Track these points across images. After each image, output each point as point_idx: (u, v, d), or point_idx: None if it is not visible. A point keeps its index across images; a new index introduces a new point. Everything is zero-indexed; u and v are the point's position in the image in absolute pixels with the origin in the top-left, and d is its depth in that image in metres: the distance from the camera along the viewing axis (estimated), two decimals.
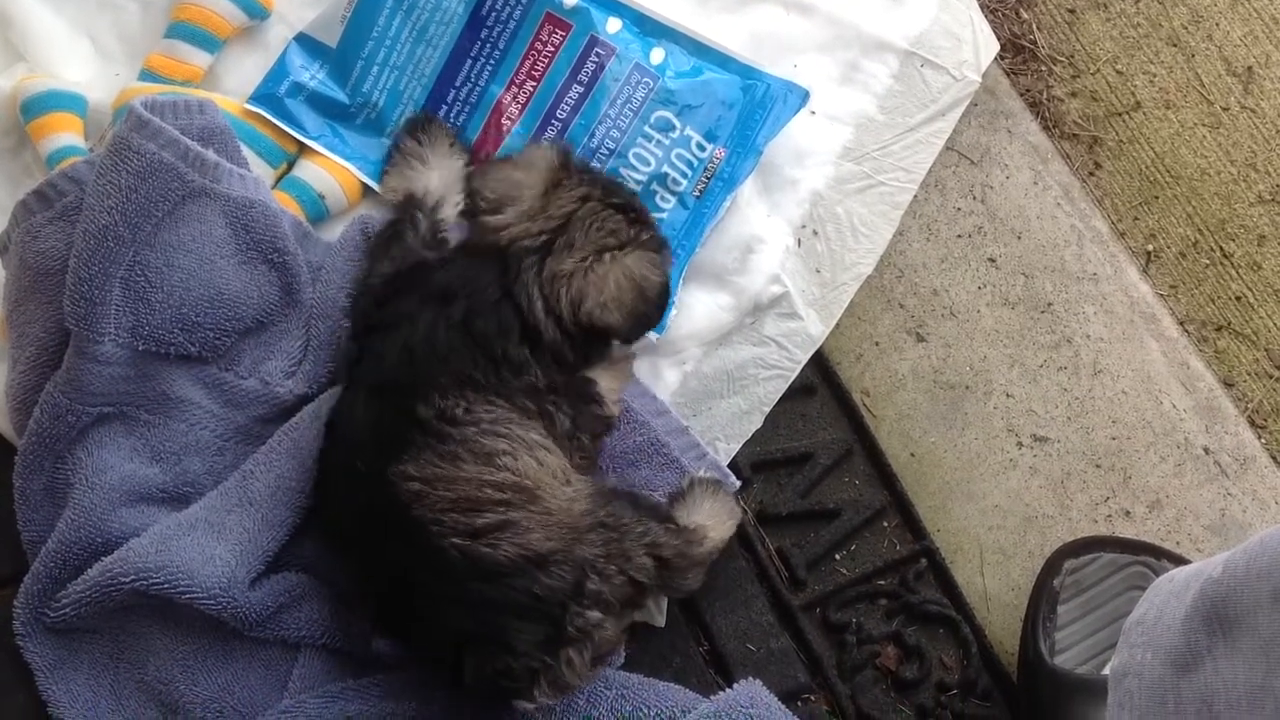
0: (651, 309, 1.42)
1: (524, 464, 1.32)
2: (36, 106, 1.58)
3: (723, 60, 1.66)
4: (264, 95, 1.63)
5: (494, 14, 1.64)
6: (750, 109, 1.63)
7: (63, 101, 1.59)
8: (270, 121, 1.62)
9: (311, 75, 1.65)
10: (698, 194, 1.61)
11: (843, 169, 1.70)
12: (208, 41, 1.64)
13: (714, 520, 1.48)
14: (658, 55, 1.65)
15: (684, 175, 1.61)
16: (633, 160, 1.61)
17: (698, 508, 1.48)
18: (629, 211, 1.46)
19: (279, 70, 1.64)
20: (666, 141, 1.62)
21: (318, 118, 1.65)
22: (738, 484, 1.56)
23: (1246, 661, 1.15)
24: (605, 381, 1.48)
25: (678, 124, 1.62)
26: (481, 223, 1.40)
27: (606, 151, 1.61)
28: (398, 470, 1.29)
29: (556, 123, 1.63)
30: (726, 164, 1.61)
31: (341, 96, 1.65)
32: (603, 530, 1.34)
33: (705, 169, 1.61)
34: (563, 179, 1.42)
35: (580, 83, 1.63)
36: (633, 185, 1.59)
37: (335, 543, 1.43)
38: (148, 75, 1.63)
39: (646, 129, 1.62)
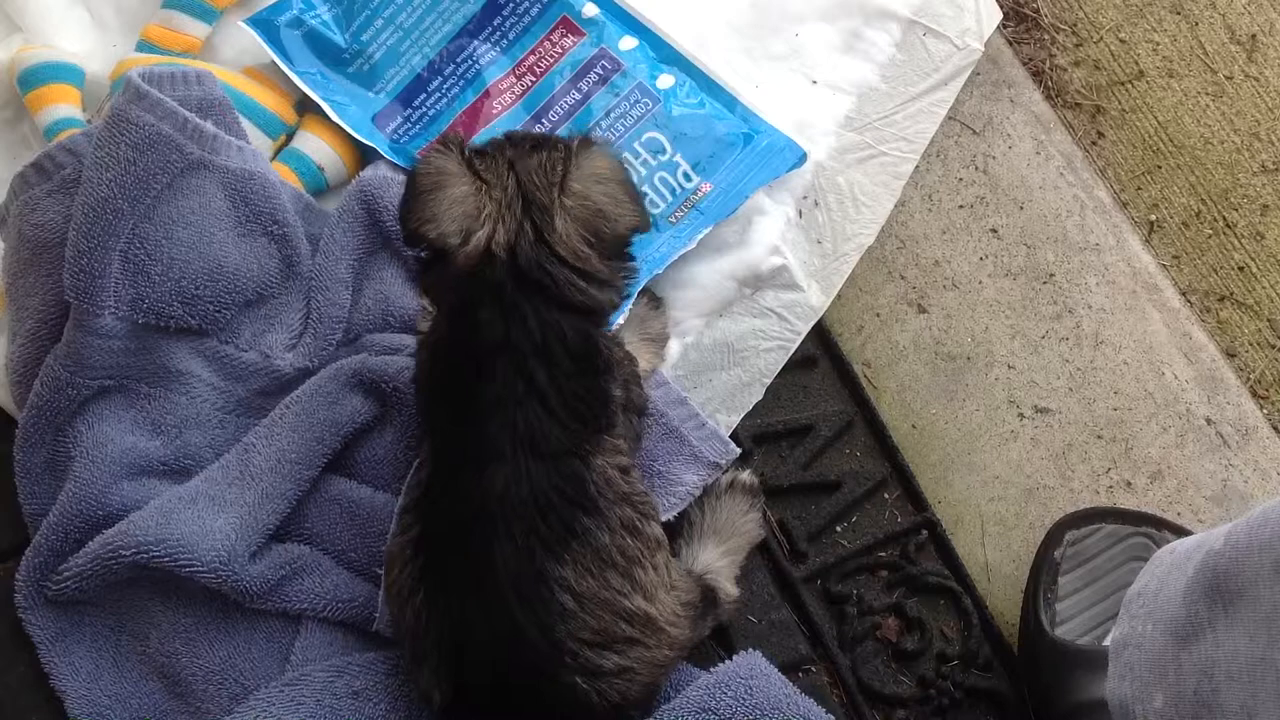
0: (632, 187, 1.31)
1: (650, 579, 1.27)
2: (34, 78, 1.58)
3: (730, 102, 1.65)
4: (261, 20, 1.63)
5: (511, 4, 1.64)
6: (747, 156, 1.61)
7: (60, 73, 1.59)
8: (269, 92, 1.61)
9: (315, 15, 1.64)
10: (674, 220, 1.59)
11: (844, 139, 1.69)
12: (205, 12, 1.63)
13: (725, 559, 1.49)
14: (665, 81, 1.63)
15: (663, 199, 1.59)
16: None
17: (706, 539, 1.49)
18: (545, 141, 1.33)
19: (284, 2, 1.64)
20: (654, 163, 1.60)
21: (310, 56, 1.64)
22: (738, 451, 1.55)
23: (1248, 633, 1.15)
24: (643, 361, 1.47)
25: (669, 148, 1.61)
26: (462, 256, 1.24)
27: None
28: (559, 575, 1.21)
29: (547, 123, 1.63)
30: (708, 199, 1.59)
31: (339, 40, 1.65)
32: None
33: (687, 199, 1.59)
34: (478, 166, 1.28)
35: (579, 90, 1.63)
36: None
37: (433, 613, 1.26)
38: (145, 46, 1.62)
39: (636, 145, 1.61)
